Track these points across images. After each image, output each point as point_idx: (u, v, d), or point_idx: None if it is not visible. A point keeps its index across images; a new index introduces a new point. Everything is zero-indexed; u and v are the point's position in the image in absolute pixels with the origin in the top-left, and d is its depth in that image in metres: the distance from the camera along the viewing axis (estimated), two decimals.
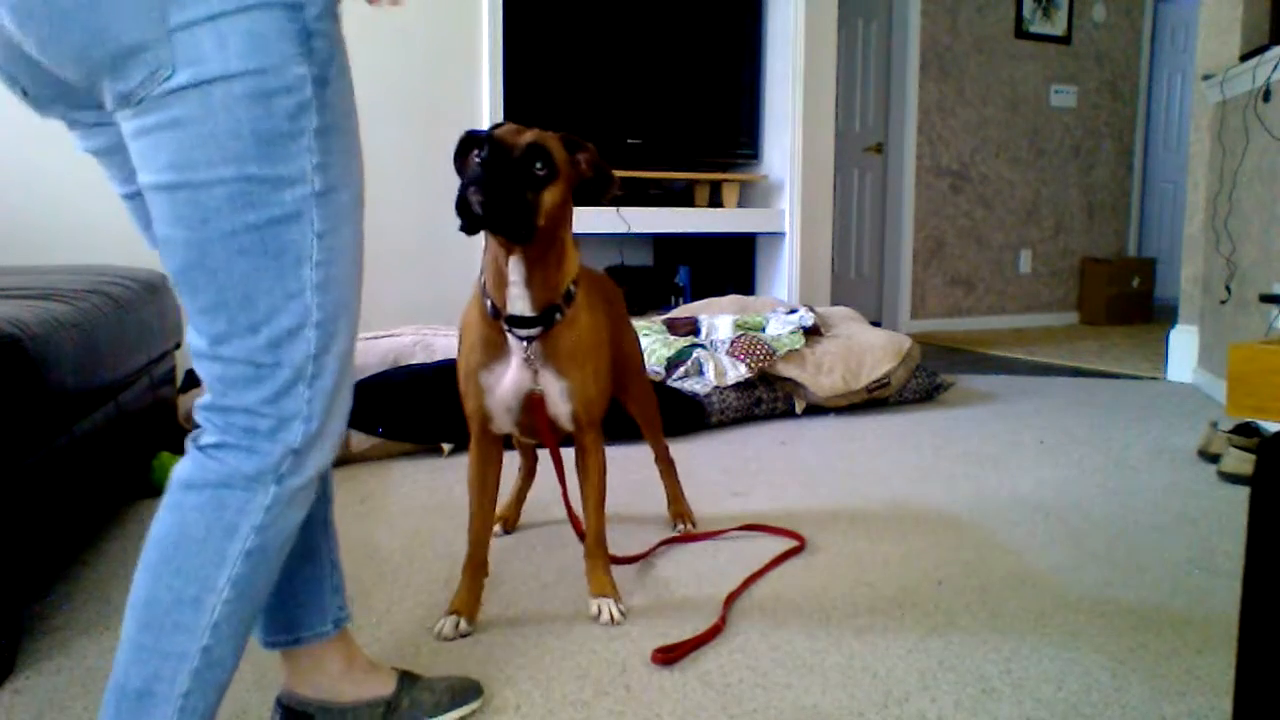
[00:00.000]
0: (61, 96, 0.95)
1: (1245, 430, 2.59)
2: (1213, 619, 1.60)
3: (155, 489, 2.24)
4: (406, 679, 1.25)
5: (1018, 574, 1.79)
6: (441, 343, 3.03)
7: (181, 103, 0.84)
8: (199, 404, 0.98)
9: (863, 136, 5.80)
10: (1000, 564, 1.84)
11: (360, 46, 3.60)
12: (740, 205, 4.25)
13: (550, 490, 2.30)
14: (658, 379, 3.02)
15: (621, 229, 3.85)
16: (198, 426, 0.99)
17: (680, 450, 2.68)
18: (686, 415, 2.87)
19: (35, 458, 1.46)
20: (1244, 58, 3.40)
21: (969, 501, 2.22)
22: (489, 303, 1.45)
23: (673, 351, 3.11)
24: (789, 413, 3.12)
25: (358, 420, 2.54)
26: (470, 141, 1.43)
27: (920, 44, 5.53)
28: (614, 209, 3.82)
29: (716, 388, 3.00)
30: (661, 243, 4.47)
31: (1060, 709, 1.31)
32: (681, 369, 3.05)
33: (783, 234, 4.19)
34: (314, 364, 0.95)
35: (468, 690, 1.30)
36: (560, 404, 1.49)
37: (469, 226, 1.31)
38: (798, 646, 1.49)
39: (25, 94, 0.97)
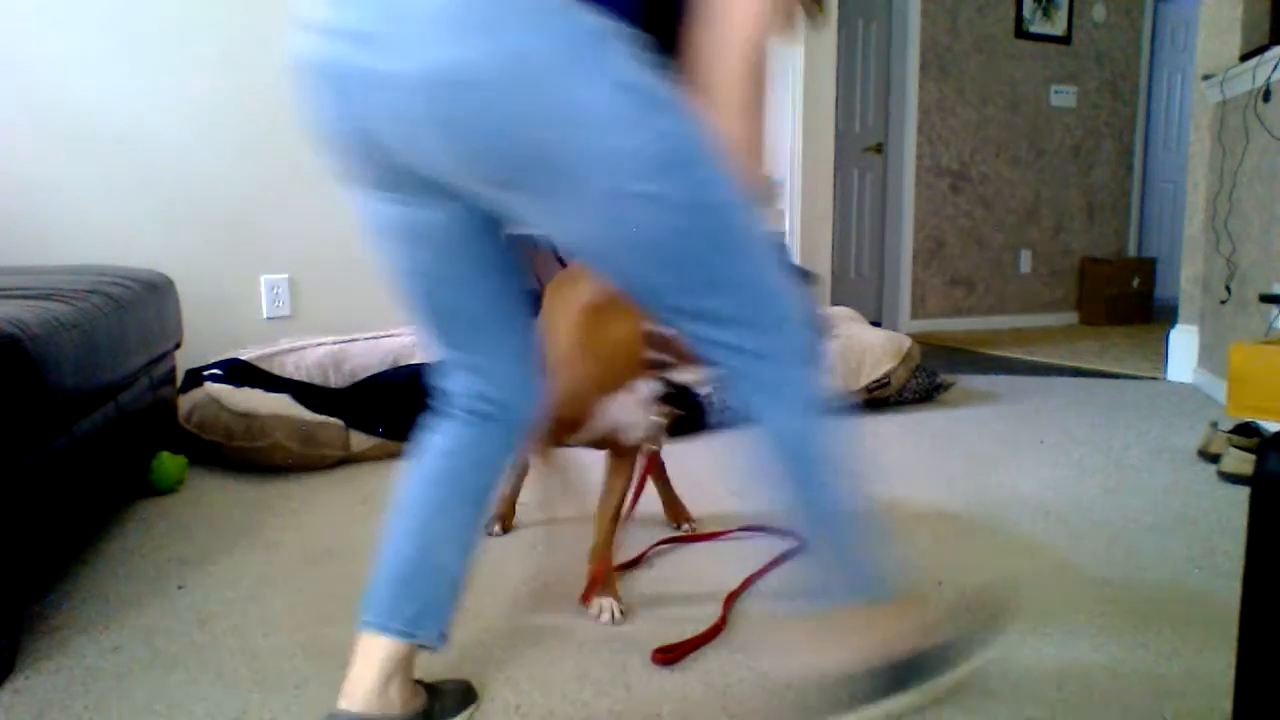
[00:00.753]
0: (408, 184, 1.07)
1: (1245, 430, 2.59)
2: (1213, 619, 1.60)
3: (155, 489, 2.24)
4: (426, 688, 1.26)
5: (1018, 574, 1.79)
6: None
7: None
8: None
9: (863, 136, 5.80)
10: (1000, 564, 1.84)
11: None
12: None
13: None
14: None
15: None
16: None
17: (680, 450, 2.68)
18: (686, 415, 2.87)
19: (35, 458, 1.46)
20: (1244, 58, 3.40)
21: (969, 501, 2.22)
22: None
23: None
24: None
25: (358, 420, 2.54)
26: None
27: (920, 44, 5.53)
28: None
29: (717, 388, 3.00)
30: None
31: (1060, 709, 1.31)
32: None
33: (783, 234, 4.19)
34: None
35: (469, 693, 1.31)
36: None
37: None
38: (797, 646, 1.49)
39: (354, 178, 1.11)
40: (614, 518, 1.66)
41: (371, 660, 1.19)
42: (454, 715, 1.28)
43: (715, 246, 1.05)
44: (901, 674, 1.16)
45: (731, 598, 1.64)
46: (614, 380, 1.56)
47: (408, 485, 1.21)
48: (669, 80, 1.01)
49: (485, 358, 1.20)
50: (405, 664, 1.20)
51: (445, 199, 1.09)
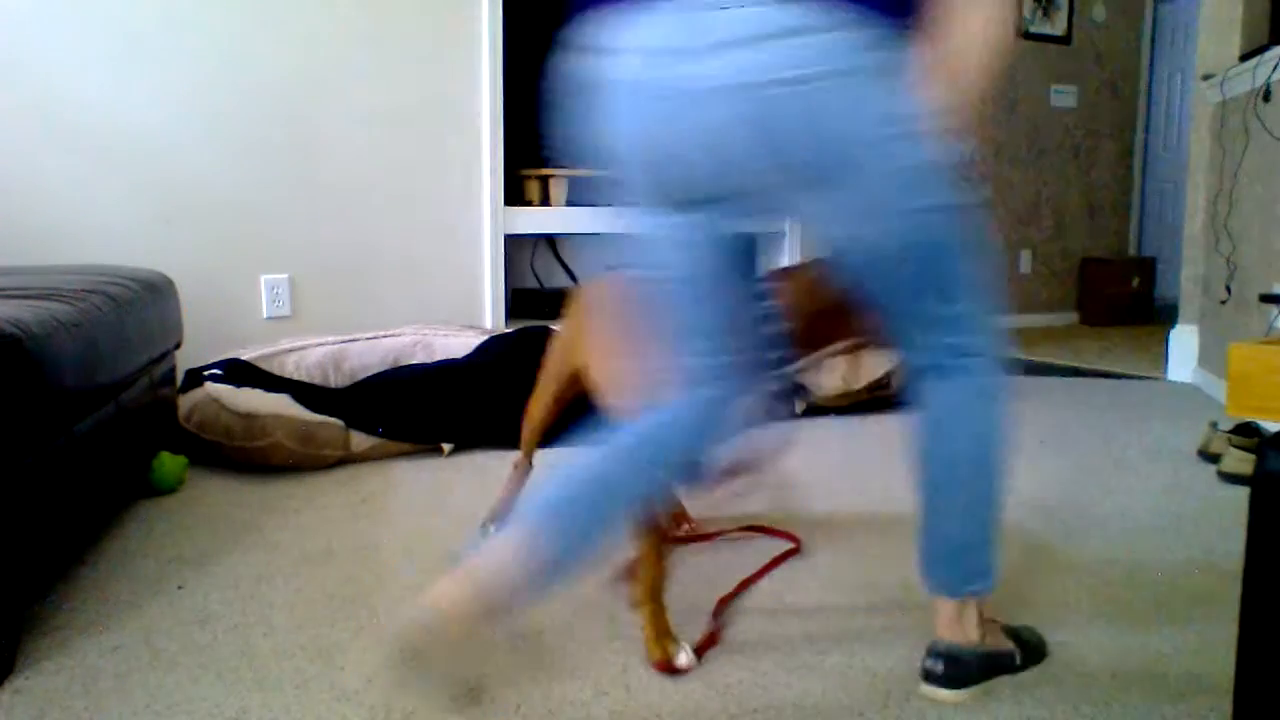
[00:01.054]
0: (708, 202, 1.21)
1: (1245, 430, 2.59)
2: (1213, 619, 1.60)
3: (155, 489, 2.24)
4: (1008, 632, 1.44)
5: (1017, 574, 1.79)
6: (441, 343, 3.03)
7: None
8: None
9: None
10: (1000, 564, 1.84)
11: (362, 51, 3.59)
12: None
13: None
14: None
15: (621, 229, 3.84)
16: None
17: None
18: None
19: (35, 458, 1.46)
20: (1244, 58, 3.40)
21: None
22: None
23: None
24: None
25: (358, 420, 2.54)
26: None
27: None
28: (614, 209, 3.81)
29: None
30: None
31: (1060, 709, 1.31)
32: None
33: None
34: None
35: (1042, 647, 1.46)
36: None
37: None
38: (798, 646, 1.49)
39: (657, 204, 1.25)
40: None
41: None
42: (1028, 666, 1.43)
43: (963, 254, 1.21)
44: (985, 665, 1.36)
45: (723, 602, 1.63)
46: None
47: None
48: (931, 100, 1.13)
49: (730, 345, 1.34)
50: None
51: (711, 207, 1.23)
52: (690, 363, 1.33)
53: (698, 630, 1.53)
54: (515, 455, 1.99)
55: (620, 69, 1.16)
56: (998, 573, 1.36)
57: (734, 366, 1.33)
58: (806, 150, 1.10)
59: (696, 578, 1.76)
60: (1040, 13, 5.84)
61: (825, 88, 1.07)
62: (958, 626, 1.35)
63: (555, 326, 3.26)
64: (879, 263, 1.21)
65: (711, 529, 2.00)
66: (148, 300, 2.09)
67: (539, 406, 1.88)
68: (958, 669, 1.34)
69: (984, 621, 1.37)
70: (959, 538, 1.32)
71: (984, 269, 1.25)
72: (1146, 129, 6.44)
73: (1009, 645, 1.41)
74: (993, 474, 1.30)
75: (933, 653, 1.35)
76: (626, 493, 1.26)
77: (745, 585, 1.72)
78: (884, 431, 2.94)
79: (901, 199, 1.14)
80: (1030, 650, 1.44)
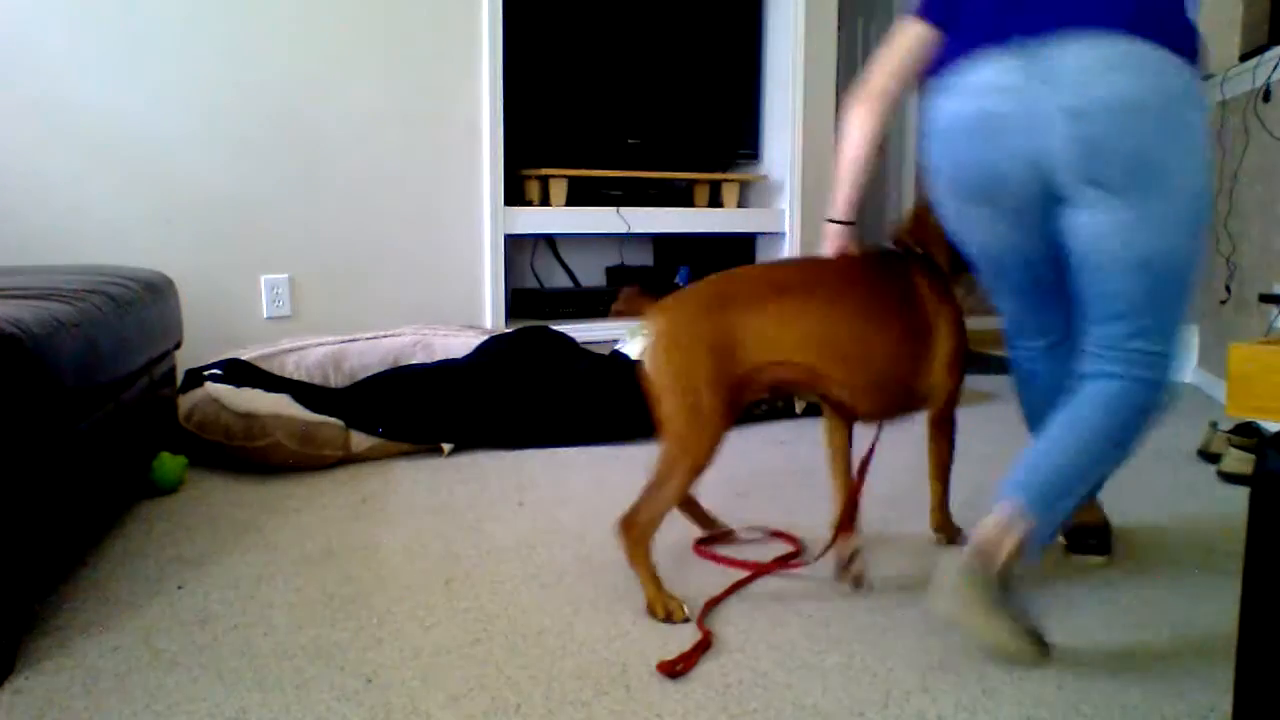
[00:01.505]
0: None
1: (1245, 430, 2.59)
2: (1213, 619, 1.60)
3: (155, 489, 2.24)
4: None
5: (1017, 574, 1.79)
6: (441, 343, 3.03)
7: None
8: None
9: None
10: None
11: (362, 51, 3.58)
12: (740, 205, 4.25)
13: (552, 494, 2.30)
14: None
15: (621, 229, 3.85)
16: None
17: None
18: None
19: (35, 458, 1.46)
20: (1244, 58, 3.40)
21: (969, 501, 2.22)
22: None
23: None
24: (789, 413, 3.12)
25: (358, 420, 2.54)
26: None
27: None
28: (614, 209, 3.82)
29: None
30: (661, 243, 4.47)
31: (1060, 709, 1.31)
32: None
33: (783, 234, 4.19)
34: None
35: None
36: None
37: None
38: (798, 646, 1.49)
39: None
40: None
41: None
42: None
43: (1188, 279, 1.48)
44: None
45: (710, 605, 1.63)
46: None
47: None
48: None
49: (1055, 314, 1.71)
50: None
51: (1044, 207, 1.51)
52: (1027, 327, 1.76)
53: (688, 634, 1.53)
54: (512, 454, 1.99)
55: (994, 100, 1.44)
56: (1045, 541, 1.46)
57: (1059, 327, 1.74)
58: (1128, 167, 1.37)
59: (696, 577, 1.76)
60: None
61: (1152, 116, 1.35)
62: (997, 544, 1.39)
63: (555, 326, 3.26)
64: (1125, 269, 1.44)
65: (721, 529, 2.00)
66: (148, 300, 2.09)
67: (717, 429, 1.63)
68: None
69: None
70: (1061, 483, 1.45)
71: (1189, 297, 1.49)
72: None
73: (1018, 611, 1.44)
74: (1105, 463, 1.49)
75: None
76: (1097, 470, 1.50)
77: (734, 589, 1.71)
78: (884, 431, 2.94)
79: (1191, 218, 1.41)
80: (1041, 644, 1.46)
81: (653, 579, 1.60)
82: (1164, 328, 1.49)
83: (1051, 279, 1.67)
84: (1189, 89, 1.37)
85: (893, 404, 1.76)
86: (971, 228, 1.63)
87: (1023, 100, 1.41)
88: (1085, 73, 1.36)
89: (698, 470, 1.59)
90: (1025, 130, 1.42)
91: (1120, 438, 1.48)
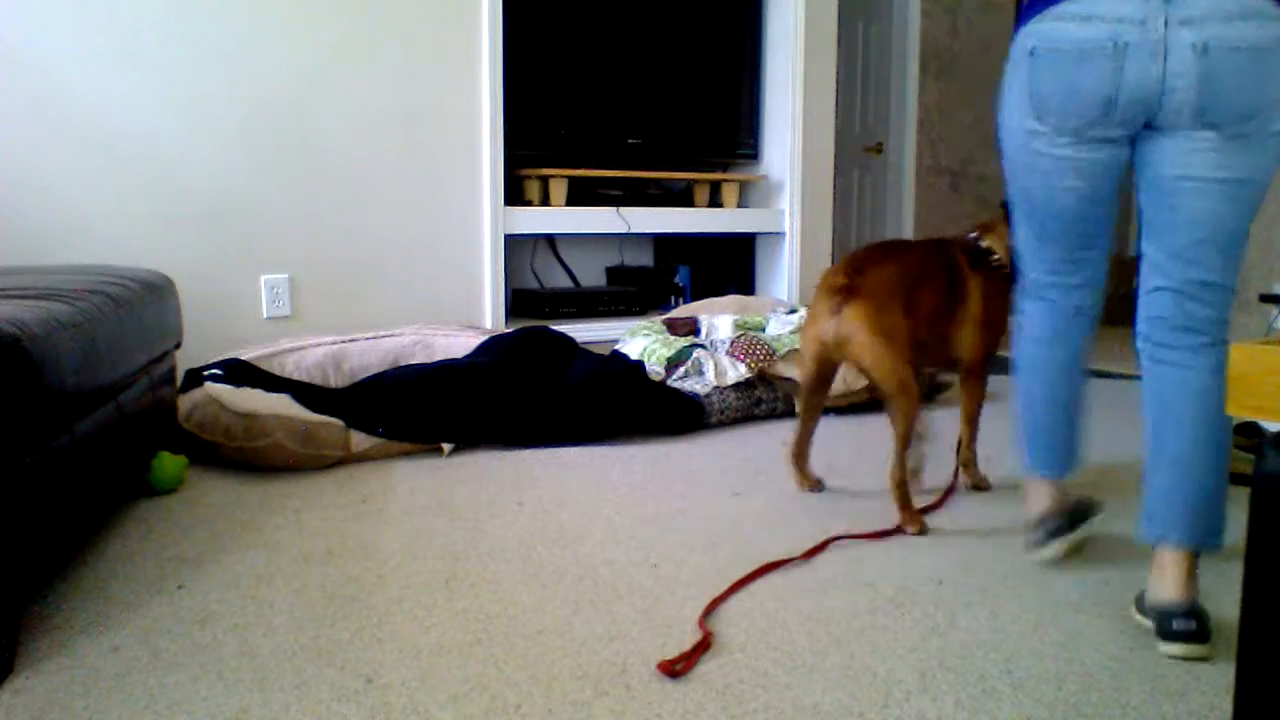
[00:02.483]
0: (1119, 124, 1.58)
1: (1245, 430, 2.59)
2: (1213, 619, 1.60)
3: (155, 489, 2.24)
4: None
5: (1018, 574, 1.79)
6: (441, 343, 3.03)
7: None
8: (1202, 317, 1.58)
9: (863, 136, 5.80)
10: (1000, 564, 1.84)
11: (362, 51, 3.58)
12: (740, 205, 4.25)
13: (552, 494, 2.30)
14: (658, 379, 3.02)
15: (621, 229, 3.85)
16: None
17: (680, 450, 2.68)
18: (686, 415, 2.87)
19: (35, 458, 1.46)
20: None
21: (968, 501, 2.22)
22: None
23: (673, 351, 3.11)
24: (789, 413, 3.12)
25: (358, 420, 2.54)
26: None
27: (920, 44, 5.53)
28: (614, 209, 3.82)
29: (716, 388, 3.00)
30: (661, 243, 4.47)
31: (1060, 709, 1.31)
32: (681, 369, 3.05)
33: (783, 234, 4.19)
34: None
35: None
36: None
37: None
38: (798, 646, 1.49)
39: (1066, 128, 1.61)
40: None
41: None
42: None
43: (1244, 232, 1.57)
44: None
45: (711, 606, 1.63)
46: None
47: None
48: None
49: (1099, 254, 1.77)
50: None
51: (1141, 140, 1.58)
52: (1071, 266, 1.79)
53: (688, 633, 1.53)
54: (512, 454, 1.99)
55: (1101, 29, 1.51)
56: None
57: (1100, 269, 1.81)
58: (1236, 100, 1.46)
59: (698, 576, 1.76)
60: None
61: (1262, 57, 1.44)
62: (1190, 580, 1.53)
63: (555, 326, 3.26)
64: (1216, 198, 1.51)
65: (714, 527, 2.00)
66: (148, 300, 2.09)
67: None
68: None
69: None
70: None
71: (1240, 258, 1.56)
72: None
73: None
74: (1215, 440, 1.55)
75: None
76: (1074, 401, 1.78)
77: (735, 588, 1.72)
78: (884, 431, 2.94)
79: (1274, 156, 1.50)
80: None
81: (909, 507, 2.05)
82: (1229, 265, 1.54)
83: (1101, 220, 1.73)
84: None
85: (934, 357, 2.24)
86: (1049, 163, 1.65)
87: (1149, 31, 1.47)
88: (1215, 12, 1.45)
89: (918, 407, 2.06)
90: (1150, 59, 1.48)
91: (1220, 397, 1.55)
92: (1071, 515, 1.82)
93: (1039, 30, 1.57)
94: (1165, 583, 1.51)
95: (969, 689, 1.36)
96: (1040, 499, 1.84)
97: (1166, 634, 1.47)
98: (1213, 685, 1.38)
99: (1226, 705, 1.32)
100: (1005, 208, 2.00)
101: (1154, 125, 1.54)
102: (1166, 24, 1.46)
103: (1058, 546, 1.80)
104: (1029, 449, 1.84)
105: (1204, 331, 1.55)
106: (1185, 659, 1.45)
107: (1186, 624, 1.45)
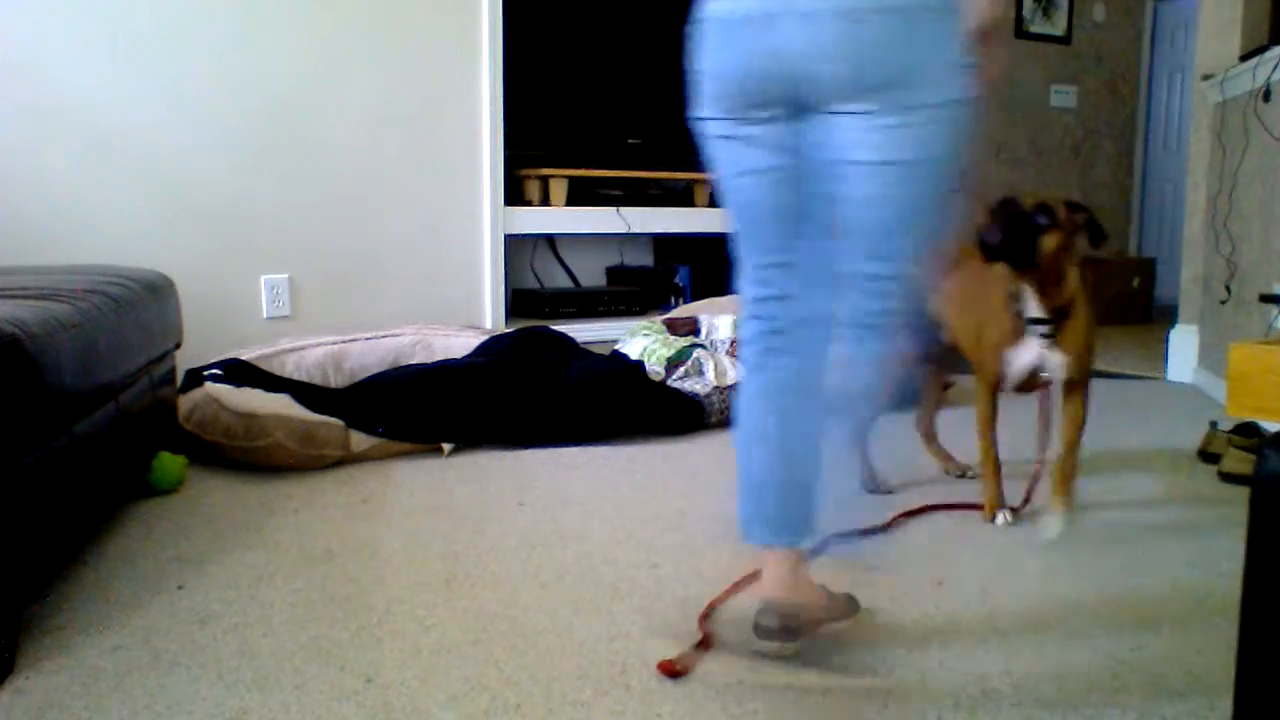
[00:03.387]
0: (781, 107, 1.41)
1: (1245, 430, 2.59)
2: (1213, 619, 1.60)
3: (155, 489, 2.24)
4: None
5: (1018, 574, 1.79)
6: (441, 343, 3.03)
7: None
8: (866, 309, 1.44)
9: None
10: (1000, 564, 1.84)
11: (362, 51, 3.58)
12: None
13: (552, 494, 2.30)
14: (658, 379, 3.02)
15: (621, 229, 3.85)
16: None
17: (680, 450, 2.68)
18: (686, 415, 2.87)
19: (34, 458, 1.46)
20: (1244, 58, 3.40)
21: (967, 501, 2.22)
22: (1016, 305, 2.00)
23: (673, 351, 3.11)
24: None
25: (358, 420, 2.54)
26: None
27: None
28: (614, 209, 3.82)
29: (716, 388, 3.00)
30: (661, 243, 4.47)
31: (1060, 709, 1.31)
32: (681, 369, 3.05)
33: None
34: None
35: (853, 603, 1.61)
36: (1060, 372, 2.02)
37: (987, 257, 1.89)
38: (798, 646, 1.49)
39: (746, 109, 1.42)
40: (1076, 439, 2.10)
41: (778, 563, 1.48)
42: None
43: (937, 215, 1.41)
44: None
45: (710, 608, 1.63)
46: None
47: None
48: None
49: (797, 255, 1.50)
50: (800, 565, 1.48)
51: (801, 116, 1.40)
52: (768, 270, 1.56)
53: (688, 633, 1.53)
54: (512, 455, 1.98)
55: (747, 4, 1.36)
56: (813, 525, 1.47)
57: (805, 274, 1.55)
58: (884, 63, 1.32)
59: (698, 577, 1.76)
60: (1040, 13, 5.84)
61: (908, 23, 1.30)
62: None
63: (555, 326, 3.26)
64: (916, 179, 1.36)
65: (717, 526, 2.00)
66: (148, 300, 2.09)
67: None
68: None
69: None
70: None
71: (935, 225, 1.41)
72: (1146, 129, 6.44)
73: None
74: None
75: None
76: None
77: (735, 588, 1.71)
78: (884, 431, 2.94)
79: (948, 131, 1.35)
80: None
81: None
82: (904, 250, 1.41)
83: (795, 212, 1.49)
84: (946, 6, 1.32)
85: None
86: (721, 148, 1.50)
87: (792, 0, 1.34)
88: None
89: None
90: (794, 28, 1.33)
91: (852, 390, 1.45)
92: (791, 623, 1.45)
93: (704, 2, 1.42)
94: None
95: (969, 689, 1.36)
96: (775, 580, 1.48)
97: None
98: (1213, 685, 1.38)
99: (1226, 705, 1.32)
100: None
101: (812, 102, 1.38)
102: None
103: (767, 647, 1.46)
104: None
105: (870, 325, 1.43)
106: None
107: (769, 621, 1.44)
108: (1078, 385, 2.06)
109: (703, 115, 1.48)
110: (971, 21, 1.35)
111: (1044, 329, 1.97)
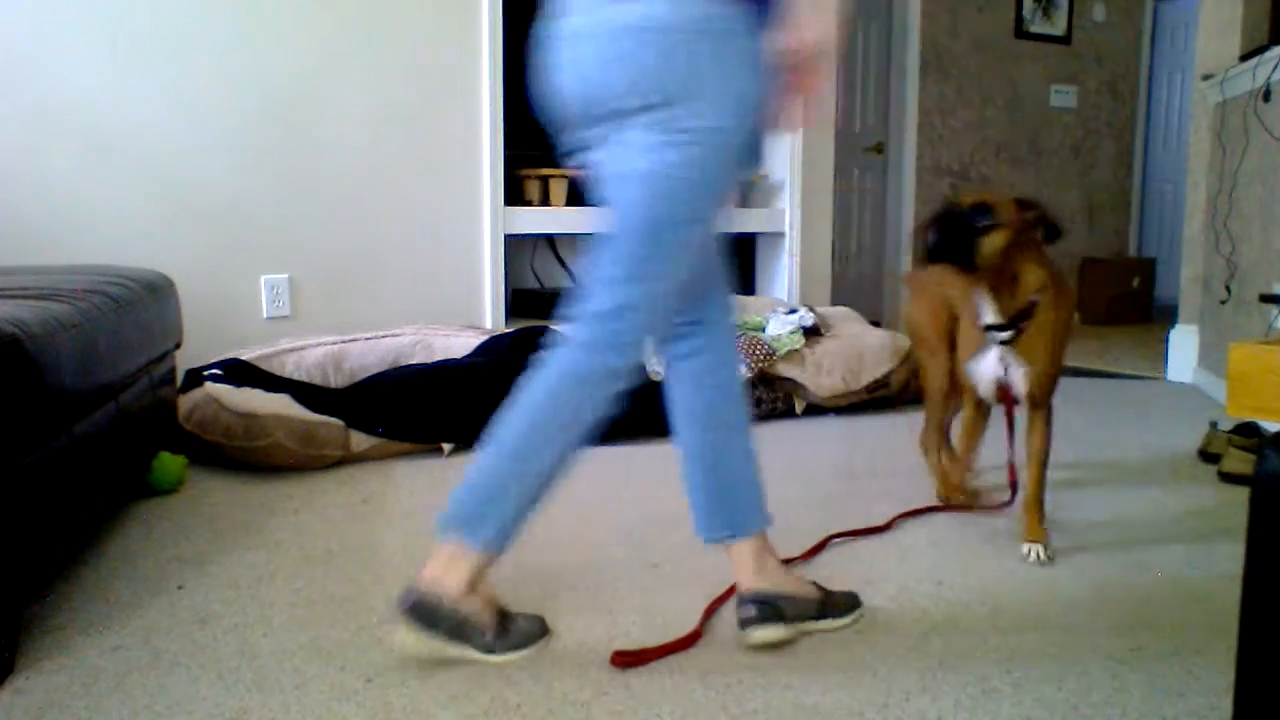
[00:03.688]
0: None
1: (1245, 430, 2.59)
2: (1213, 619, 1.60)
3: (155, 489, 2.25)
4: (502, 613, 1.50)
5: (1018, 574, 1.79)
6: (441, 343, 3.03)
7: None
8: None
9: (863, 136, 5.80)
10: (1000, 564, 1.84)
11: (362, 51, 3.57)
12: (740, 205, 4.25)
13: (554, 496, 2.30)
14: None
15: None
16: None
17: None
18: None
19: (34, 458, 1.46)
20: (1244, 58, 3.40)
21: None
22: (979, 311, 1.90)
23: None
24: (789, 413, 3.13)
25: (358, 420, 2.54)
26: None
27: (920, 44, 5.53)
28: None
29: None
30: None
31: (1060, 709, 1.31)
32: None
33: (783, 234, 4.19)
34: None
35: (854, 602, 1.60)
36: (1021, 385, 1.90)
37: (925, 259, 1.82)
38: (798, 646, 1.49)
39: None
40: (1042, 462, 1.95)
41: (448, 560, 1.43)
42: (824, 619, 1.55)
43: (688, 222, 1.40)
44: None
45: (714, 606, 1.63)
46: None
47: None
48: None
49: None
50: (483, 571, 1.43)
51: (615, 130, 1.39)
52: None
53: (688, 633, 1.53)
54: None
55: (559, 23, 1.40)
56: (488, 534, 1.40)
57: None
58: (657, 81, 1.30)
59: (698, 577, 1.76)
60: (1040, 13, 5.84)
61: (683, 40, 1.29)
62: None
63: (555, 327, 3.26)
64: (622, 211, 1.37)
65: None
66: (148, 300, 2.09)
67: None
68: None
69: None
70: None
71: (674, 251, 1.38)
72: (1146, 129, 6.44)
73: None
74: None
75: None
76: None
77: (735, 588, 1.71)
78: (884, 432, 2.94)
79: (701, 155, 1.33)
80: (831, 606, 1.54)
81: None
82: (642, 261, 1.38)
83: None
84: (708, 17, 1.29)
85: None
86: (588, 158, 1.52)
87: (570, 23, 1.38)
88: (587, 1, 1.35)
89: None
90: (582, 49, 1.36)
91: (563, 418, 1.41)
92: (767, 609, 1.48)
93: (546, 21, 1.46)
94: None
95: (969, 689, 1.36)
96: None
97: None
98: (1213, 685, 1.38)
99: (1226, 705, 1.32)
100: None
101: (605, 118, 1.39)
102: (595, 6, 1.34)
103: (755, 635, 1.47)
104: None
105: (574, 334, 1.41)
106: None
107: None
108: (1039, 405, 1.92)
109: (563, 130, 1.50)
110: (787, 42, 1.33)
111: (1002, 335, 1.86)
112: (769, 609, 1.47)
